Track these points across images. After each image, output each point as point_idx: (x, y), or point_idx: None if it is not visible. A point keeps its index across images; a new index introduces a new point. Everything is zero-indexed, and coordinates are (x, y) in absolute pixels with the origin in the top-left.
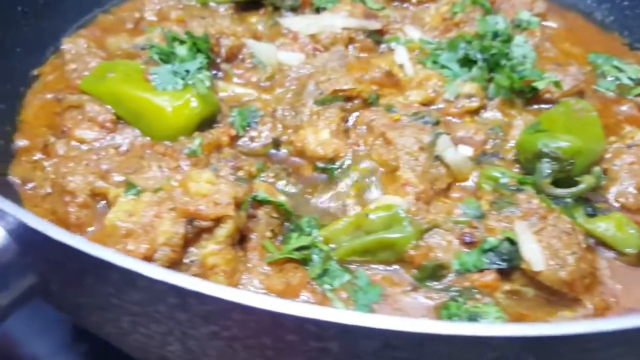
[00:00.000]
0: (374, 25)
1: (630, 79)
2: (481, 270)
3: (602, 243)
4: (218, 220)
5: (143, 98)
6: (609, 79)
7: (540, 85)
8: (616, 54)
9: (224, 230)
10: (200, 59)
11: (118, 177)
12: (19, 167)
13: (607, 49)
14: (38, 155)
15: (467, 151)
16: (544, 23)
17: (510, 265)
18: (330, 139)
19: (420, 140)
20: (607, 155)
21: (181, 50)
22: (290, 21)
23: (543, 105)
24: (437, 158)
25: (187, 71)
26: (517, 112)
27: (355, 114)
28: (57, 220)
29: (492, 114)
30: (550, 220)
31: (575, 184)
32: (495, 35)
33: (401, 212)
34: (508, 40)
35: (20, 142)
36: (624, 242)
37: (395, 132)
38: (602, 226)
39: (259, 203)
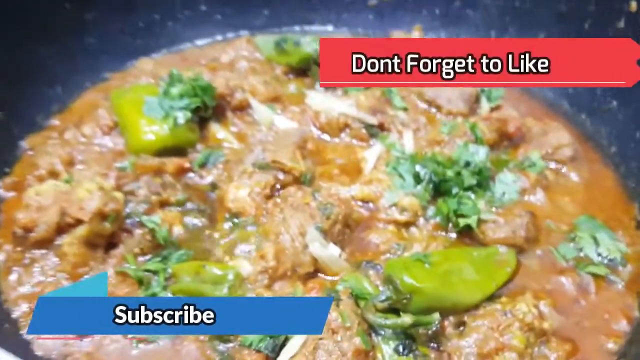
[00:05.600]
0: (370, 120)
1: (599, 254)
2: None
3: None
4: (79, 222)
5: (132, 115)
6: (571, 245)
7: (462, 221)
8: (616, 226)
9: (79, 231)
10: (187, 102)
11: (79, 166)
12: (37, 138)
13: (612, 217)
14: (55, 135)
15: (335, 251)
16: (564, 171)
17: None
18: (244, 198)
19: (304, 226)
20: (480, 312)
21: (175, 89)
22: (310, 95)
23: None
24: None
25: (172, 107)
26: (445, 240)
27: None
28: None
29: (419, 233)
30: (337, 337)
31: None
32: (467, 164)
33: (231, 276)
34: (480, 173)
35: (52, 122)
36: None
37: (292, 212)
38: None
39: (140, 224)
